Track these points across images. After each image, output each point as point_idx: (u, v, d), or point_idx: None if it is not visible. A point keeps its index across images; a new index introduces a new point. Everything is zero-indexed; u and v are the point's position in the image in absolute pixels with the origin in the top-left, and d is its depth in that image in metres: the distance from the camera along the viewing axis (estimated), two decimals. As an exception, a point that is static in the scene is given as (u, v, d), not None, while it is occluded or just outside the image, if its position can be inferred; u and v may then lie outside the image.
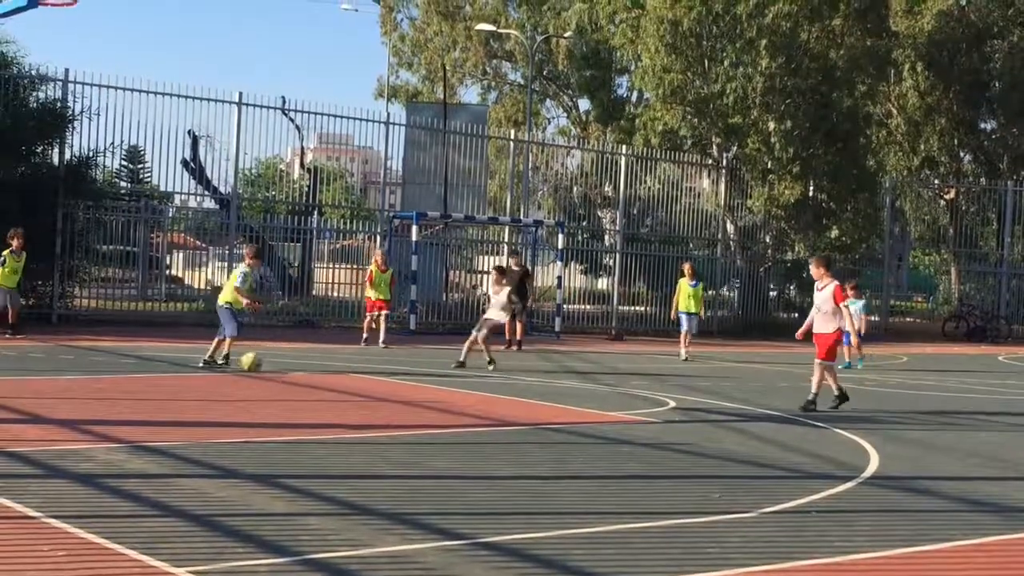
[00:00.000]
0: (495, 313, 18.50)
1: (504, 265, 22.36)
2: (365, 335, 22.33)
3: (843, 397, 14.43)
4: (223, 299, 16.51)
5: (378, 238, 29.70)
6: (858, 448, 11.24)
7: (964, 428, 13.50)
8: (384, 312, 22.22)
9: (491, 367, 17.80)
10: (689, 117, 33.60)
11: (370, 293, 22.52)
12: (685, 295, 22.52)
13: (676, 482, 9.25)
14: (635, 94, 44.76)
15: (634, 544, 6.93)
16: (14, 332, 20.02)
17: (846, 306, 14.61)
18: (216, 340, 16.26)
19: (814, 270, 14.89)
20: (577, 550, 6.68)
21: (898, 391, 17.93)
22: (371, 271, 22.76)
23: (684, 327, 22.43)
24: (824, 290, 14.47)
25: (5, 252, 20.27)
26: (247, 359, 15.99)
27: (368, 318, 22.60)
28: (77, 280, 25.66)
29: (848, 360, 21.11)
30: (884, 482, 9.44)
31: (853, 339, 20.71)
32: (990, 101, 41.17)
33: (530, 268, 27.15)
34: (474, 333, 18.33)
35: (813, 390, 14.30)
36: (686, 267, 23.13)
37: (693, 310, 22.56)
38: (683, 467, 9.92)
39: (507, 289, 18.73)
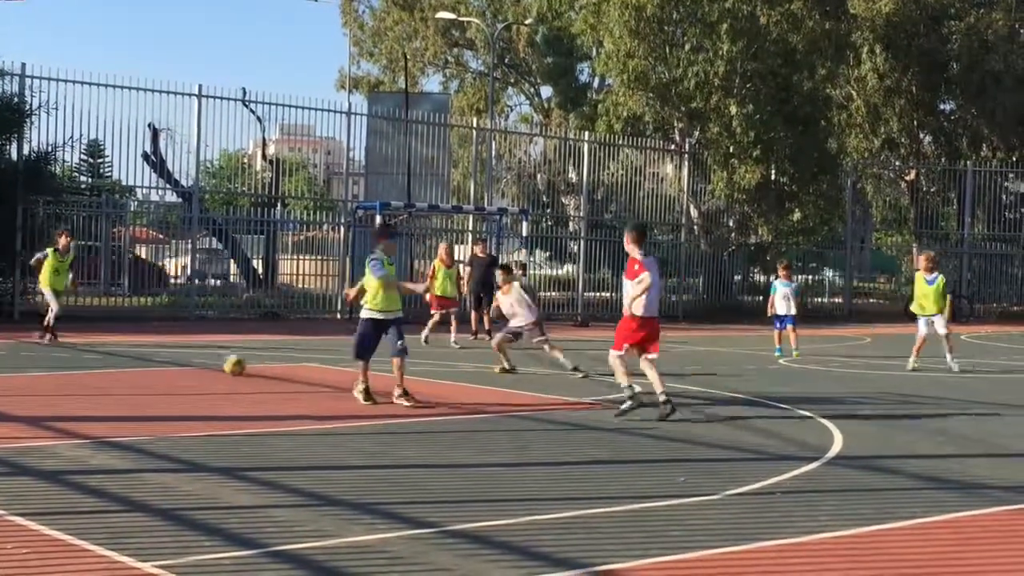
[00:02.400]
0: (521, 318, 16.13)
1: (509, 264, 21.22)
2: (426, 333, 20.50)
3: None
4: (380, 306, 12.49)
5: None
6: (823, 429, 11.32)
7: (927, 407, 13.62)
8: (453, 310, 21.06)
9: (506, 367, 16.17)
10: (652, 102, 33.67)
11: (435, 290, 20.78)
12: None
13: (641, 466, 9.29)
14: (597, 80, 44.84)
15: (600, 528, 6.96)
16: (47, 335, 18.64)
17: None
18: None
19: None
20: (544, 535, 6.70)
21: (862, 372, 18.07)
22: (433, 266, 21.52)
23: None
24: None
25: (49, 251, 19.11)
26: (230, 363, 14.74)
27: (435, 316, 20.97)
28: (38, 276, 25.41)
29: (793, 347, 19.74)
30: (848, 462, 9.52)
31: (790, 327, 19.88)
32: (948, 82, 41.47)
33: (495, 255, 27.14)
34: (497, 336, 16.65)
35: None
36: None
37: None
38: (648, 451, 9.97)
39: (516, 286, 16.72)
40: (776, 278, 21.36)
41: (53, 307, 18.60)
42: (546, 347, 16.14)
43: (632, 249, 11.99)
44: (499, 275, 17.16)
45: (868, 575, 6.12)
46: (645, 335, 11.87)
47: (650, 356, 11.87)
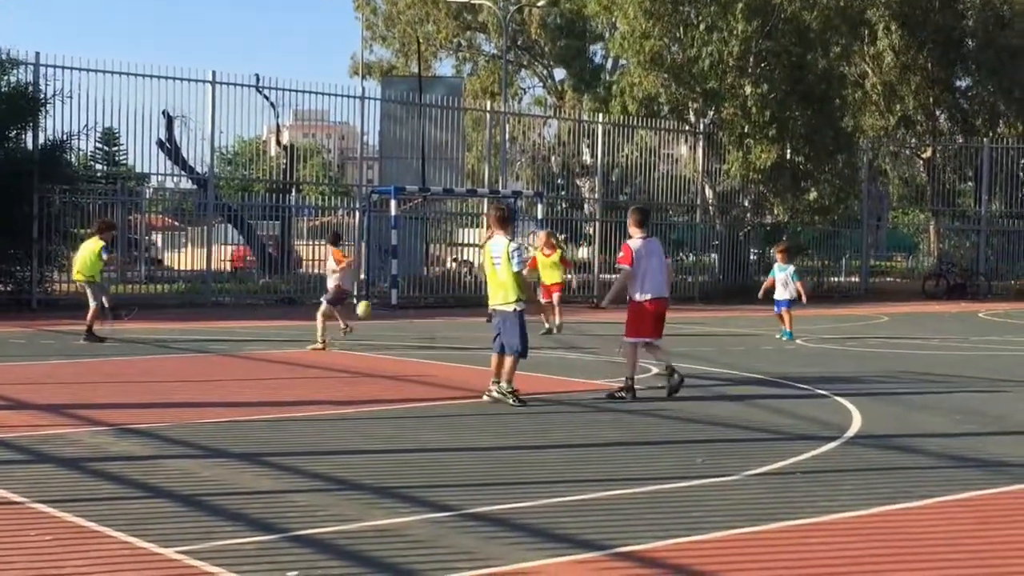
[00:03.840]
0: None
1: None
2: (547, 324, 19.69)
3: None
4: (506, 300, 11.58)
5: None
6: (842, 409, 11.30)
7: (946, 385, 13.59)
8: (556, 295, 20.18)
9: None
10: (667, 83, 33.57)
11: (542, 278, 20.13)
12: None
13: (660, 447, 9.29)
14: (610, 61, 44.72)
15: (620, 510, 6.96)
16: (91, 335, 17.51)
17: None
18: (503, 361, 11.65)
19: None
20: (564, 518, 6.71)
21: (880, 351, 18.02)
22: (533, 257, 20.28)
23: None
24: None
25: (100, 243, 17.95)
26: (363, 308, 16.60)
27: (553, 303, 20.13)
28: (56, 265, 25.54)
29: (788, 330, 19.19)
30: (867, 441, 9.51)
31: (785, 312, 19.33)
32: (964, 59, 41.27)
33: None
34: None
35: None
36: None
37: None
38: (667, 432, 9.97)
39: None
40: (775, 261, 20.95)
41: (106, 300, 17.49)
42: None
43: (632, 232, 12.09)
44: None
45: (888, 554, 6.11)
46: (655, 318, 12.03)
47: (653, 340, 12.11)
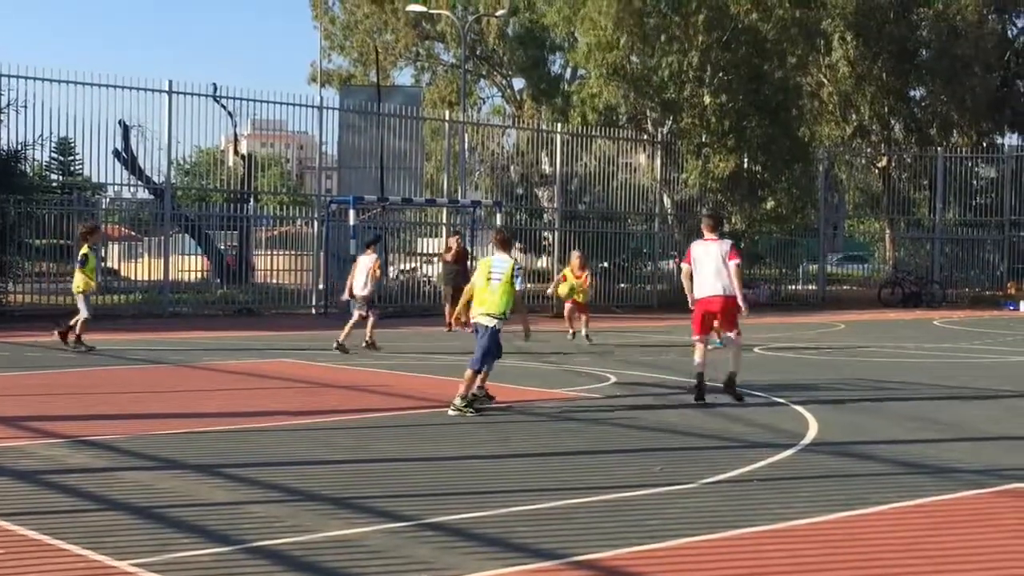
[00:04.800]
0: None
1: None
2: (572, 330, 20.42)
3: None
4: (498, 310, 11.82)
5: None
6: (798, 416, 11.39)
7: (900, 392, 13.72)
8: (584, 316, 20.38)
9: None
10: (627, 93, 33.72)
11: (573, 296, 20.51)
12: None
13: (618, 456, 9.32)
14: (569, 71, 44.84)
15: (577, 519, 6.99)
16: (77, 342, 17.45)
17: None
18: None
19: None
20: (521, 527, 6.72)
21: (836, 358, 18.17)
22: (563, 274, 21.02)
23: None
24: None
25: (85, 249, 17.88)
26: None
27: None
28: (10, 276, 25.31)
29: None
30: (823, 448, 9.59)
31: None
32: (919, 69, 41.71)
33: (469, 249, 27.15)
34: None
35: None
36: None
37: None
38: (625, 441, 10.01)
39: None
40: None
41: (86, 313, 17.36)
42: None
43: (705, 234, 12.86)
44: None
45: (843, 561, 6.17)
46: (708, 314, 12.59)
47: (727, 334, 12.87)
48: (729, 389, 12.54)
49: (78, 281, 17.68)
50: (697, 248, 12.72)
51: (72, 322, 17.53)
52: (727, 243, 12.86)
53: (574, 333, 20.41)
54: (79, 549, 6.06)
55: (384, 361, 16.57)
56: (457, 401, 11.36)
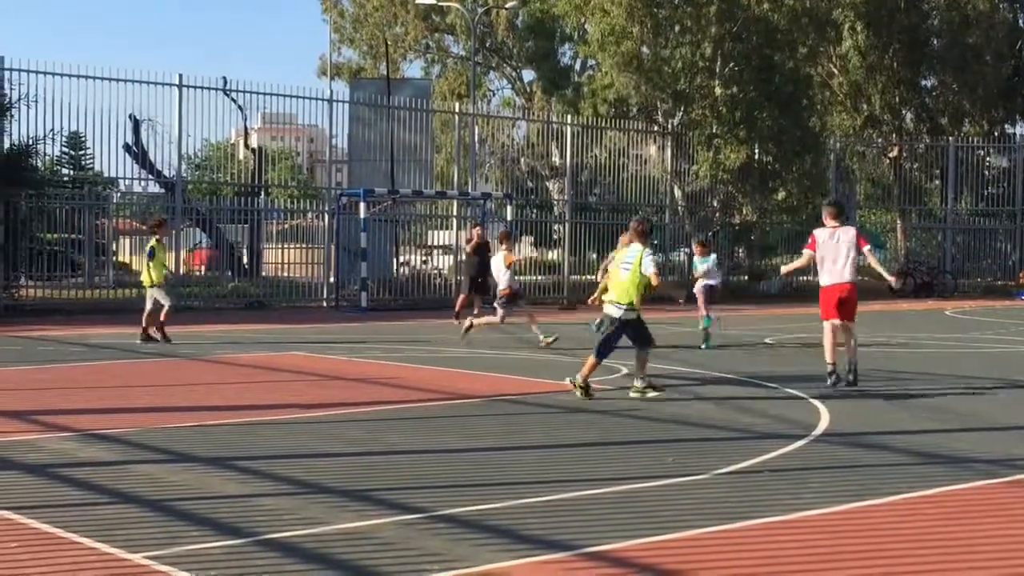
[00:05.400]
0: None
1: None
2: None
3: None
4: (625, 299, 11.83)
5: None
6: (809, 407, 11.36)
7: (912, 383, 13.67)
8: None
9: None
10: (639, 84, 33.65)
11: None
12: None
13: (629, 447, 9.31)
14: (579, 63, 44.79)
15: (589, 510, 6.98)
16: (146, 338, 17.57)
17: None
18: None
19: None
20: (532, 519, 6.71)
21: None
22: (613, 257, 20.04)
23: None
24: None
25: (153, 242, 17.94)
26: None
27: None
28: (22, 270, 25.38)
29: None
30: (835, 439, 9.56)
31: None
32: (929, 58, 41.56)
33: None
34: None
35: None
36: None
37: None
38: (636, 432, 9.99)
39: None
40: (695, 255, 20.58)
41: (167, 303, 17.46)
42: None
43: (826, 223, 12.94)
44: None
45: (854, 551, 6.15)
46: (836, 302, 12.73)
47: (843, 322, 12.83)
48: (853, 381, 12.71)
49: (145, 276, 17.86)
50: (822, 235, 12.83)
51: (155, 315, 17.54)
52: (852, 230, 13.06)
53: None
54: (91, 542, 6.06)
55: (394, 353, 16.58)
56: (577, 379, 11.75)
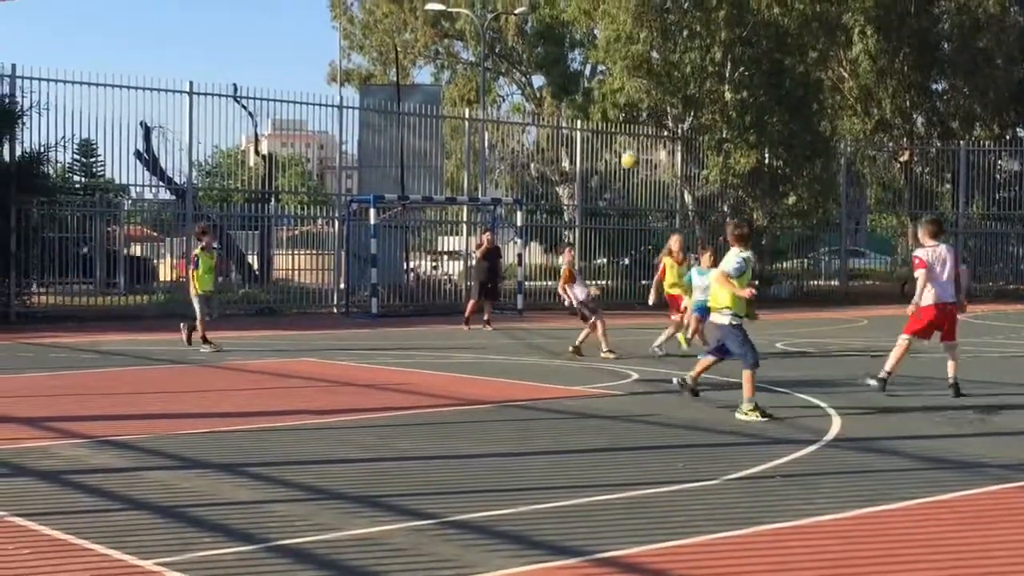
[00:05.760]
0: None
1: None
2: (661, 340, 17.55)
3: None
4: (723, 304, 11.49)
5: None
6: (820, 411, 11.34)
7: (924, 387, 13.63)
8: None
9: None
10: (649, 88, 33.63)
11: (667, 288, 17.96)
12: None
13: (640, 453, 9.30)
14: (589, 68, 44.78)
15: (600, 516, 6.97)
16: (206, 342, 17.40)
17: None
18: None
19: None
20: (544, 524, 6.71)
21: (859, 354, 18.07)
22: (664, 262, 18.01)
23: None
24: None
25: (197, 250, 17.94)
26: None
27: (675, 319, 17.85)
28: (34, 277, 25.45)
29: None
30: (846, 444, 9.55)
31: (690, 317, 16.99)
32: (940, 62, 41.47)
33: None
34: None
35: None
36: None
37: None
38: (647, 438, 9.98)
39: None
40: (695, 264, 17.34)
41: (200, 313, 17.40)
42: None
43: (924, 242, 12.73)
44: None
45: (866, 556, 6.14)
46: (938, 321, 12.57)
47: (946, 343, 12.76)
48: (956, 394, 12.58)
49: (192, 284, 17.79)
50: (926, 254, 12.56)
51: (197, 324, 17.55)
52: (951, 247, 12.99)
53: (689, 341, 17.37)
54: (103, 548, 6.08)
55: (405, 359, 16.59)
56: (745, 405, 10.93)
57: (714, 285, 11.49)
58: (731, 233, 11.69)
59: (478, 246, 24.58)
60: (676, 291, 17.67)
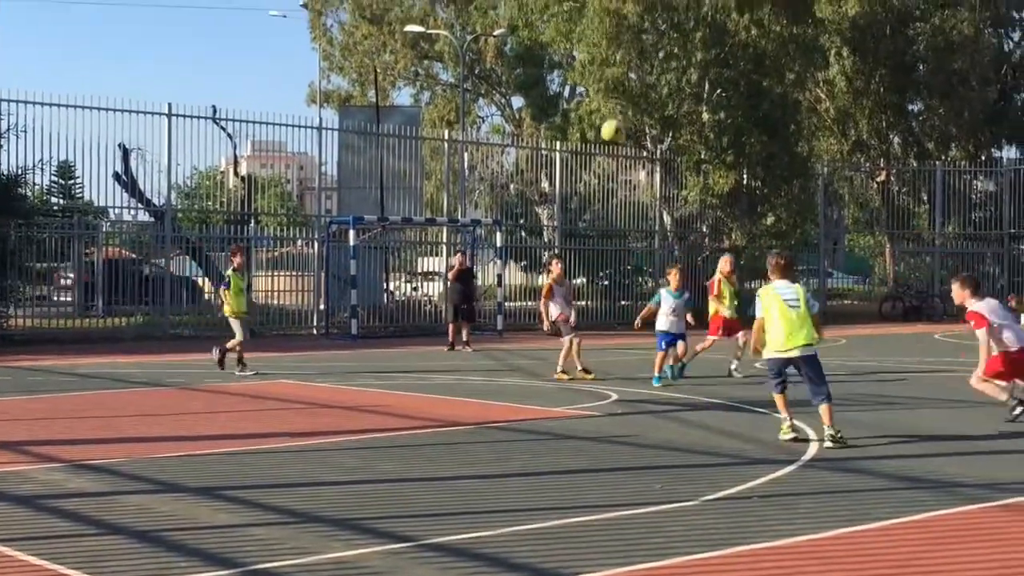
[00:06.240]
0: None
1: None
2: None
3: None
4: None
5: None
6: (799, 432, 11.36)
7: (902, 407, 13.71)
8: (740, 334, 17.00)
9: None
10: (625, 110, 33.77)
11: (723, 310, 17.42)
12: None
13: (619, 474, 9.31)
14: (568, 89, 44.94)
15: (578, 538, 6.98)
16: (222, 364, 17.41)
17: None
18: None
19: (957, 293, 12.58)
20: (522, 547, 6.72)
21: (837, 374, 18.12)
22: (718, 282, 17.54)
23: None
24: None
25: (228, 272, 18.01)
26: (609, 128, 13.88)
27: (709, 342, 17.54)
28: (11, 300, 25.34)
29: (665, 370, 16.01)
30: (824, 464, 9.59)
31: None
32: (916, 83, 41.83)
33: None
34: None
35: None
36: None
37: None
38: (626, 459, 10.00)
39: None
40: (664, 286, 17.05)
41: (239, 335, 17.38)
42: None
43: (968, 303, 12.33)
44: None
45: (844, 576, 6.17)
46: (1010, 369, 12.23)
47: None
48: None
49: (225, 306, 17.84)
50: (982, 306, 12.26)
51: (228, 345, 17.50)
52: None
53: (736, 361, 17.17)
54: (79, 573, 6.05)
55: (384, 381, 16.58)
56: (829, 431, 10.57)
57: (807, 318, 10.82)
58: (775, 265, 11.14)
59: (449, 268, 24.60)
60: (727, 314, 17.32)
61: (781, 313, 10.71)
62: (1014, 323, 12.64)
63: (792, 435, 10.83)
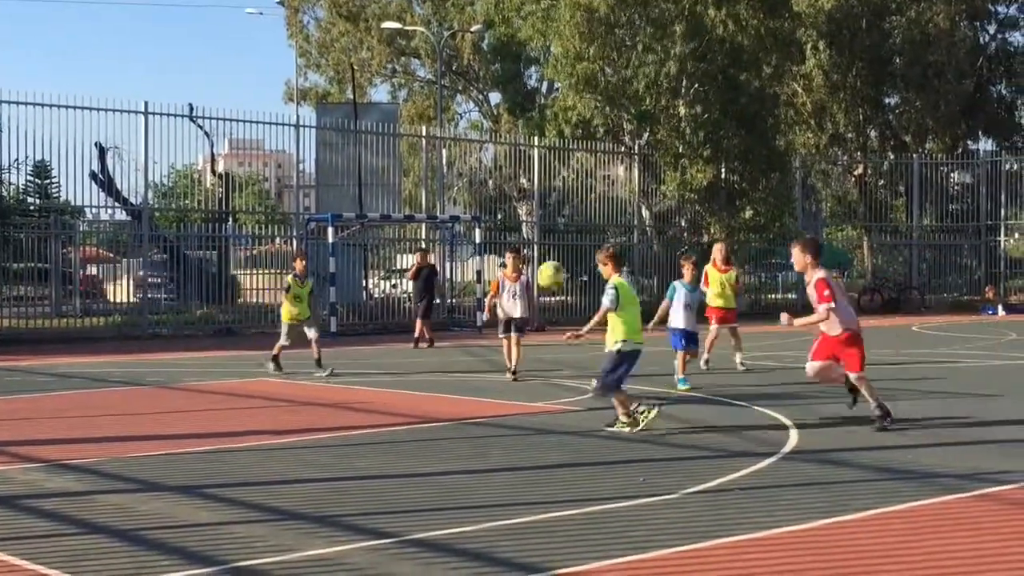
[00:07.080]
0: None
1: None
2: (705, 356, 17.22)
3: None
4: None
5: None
6: (778, 424, 11.41)
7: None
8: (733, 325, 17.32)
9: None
10: (600, 105, 33.79)
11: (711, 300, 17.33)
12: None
13: (600, 468, 9.33)
14: (545, 85, 44.95)
15: (559, 532, 6.99)
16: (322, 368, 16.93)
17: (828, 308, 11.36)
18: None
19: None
20: (504, 541, 6.72)
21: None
22: (706, 271, 17.41)
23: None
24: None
25: (288, 277, 17.92)
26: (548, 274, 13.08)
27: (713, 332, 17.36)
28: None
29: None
30: (804, 456, 9.62)
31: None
32: (892, 76, 41.98)
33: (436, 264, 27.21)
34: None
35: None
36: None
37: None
38: (606, 453, 10.01)
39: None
40: (678, 279, 15.86)
41: (283, 340, 17.25)
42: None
43: (811, 270, 11.61)
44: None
45: (824, 567, 6.19)
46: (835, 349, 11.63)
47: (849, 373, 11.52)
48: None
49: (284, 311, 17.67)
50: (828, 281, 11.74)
51: (274, 352, 17.35)
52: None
53: (708, 361, 16.97)
54: (59, 573, 6.02)
55: (363, 378, 16.55)
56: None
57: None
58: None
59: (411, 266, 24.55)
60: (719, 302, 17.18)
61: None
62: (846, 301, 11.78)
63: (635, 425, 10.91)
